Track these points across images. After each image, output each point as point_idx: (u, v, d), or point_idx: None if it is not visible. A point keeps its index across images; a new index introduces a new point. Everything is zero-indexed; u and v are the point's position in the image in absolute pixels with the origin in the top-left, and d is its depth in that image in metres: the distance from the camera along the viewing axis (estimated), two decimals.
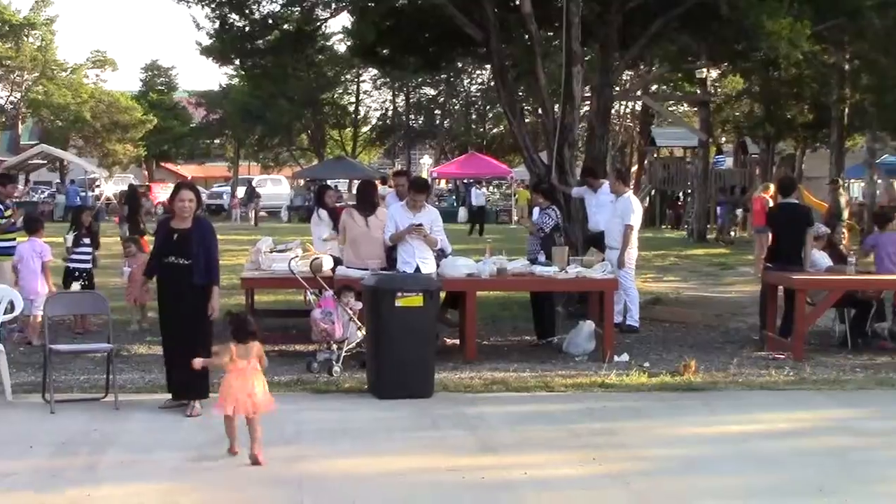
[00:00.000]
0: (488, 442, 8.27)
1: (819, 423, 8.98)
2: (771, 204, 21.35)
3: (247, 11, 15.79)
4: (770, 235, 13.38)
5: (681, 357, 11.75)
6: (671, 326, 14.54)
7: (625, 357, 11.71)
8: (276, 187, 57.39)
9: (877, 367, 11.45)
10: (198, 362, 8.09)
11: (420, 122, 71.54)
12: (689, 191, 38.55)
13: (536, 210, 14.24)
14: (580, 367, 11.34)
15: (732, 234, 34.93)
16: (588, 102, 17.14)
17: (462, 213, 45.25)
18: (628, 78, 38.39)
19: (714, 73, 36.17)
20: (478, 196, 40.41)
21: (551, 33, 18.88)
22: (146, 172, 71.35)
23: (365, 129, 72.10)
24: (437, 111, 71.06)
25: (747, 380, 10.61)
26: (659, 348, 12.62)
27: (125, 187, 32.26)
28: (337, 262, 12.23)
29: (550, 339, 12.79)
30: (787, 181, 13.49)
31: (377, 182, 17.74)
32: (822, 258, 13.12)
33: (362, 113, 70.95)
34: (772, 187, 23.78)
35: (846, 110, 30.26)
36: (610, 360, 11.48)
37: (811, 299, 12.51)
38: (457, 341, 12.68)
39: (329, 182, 50.46)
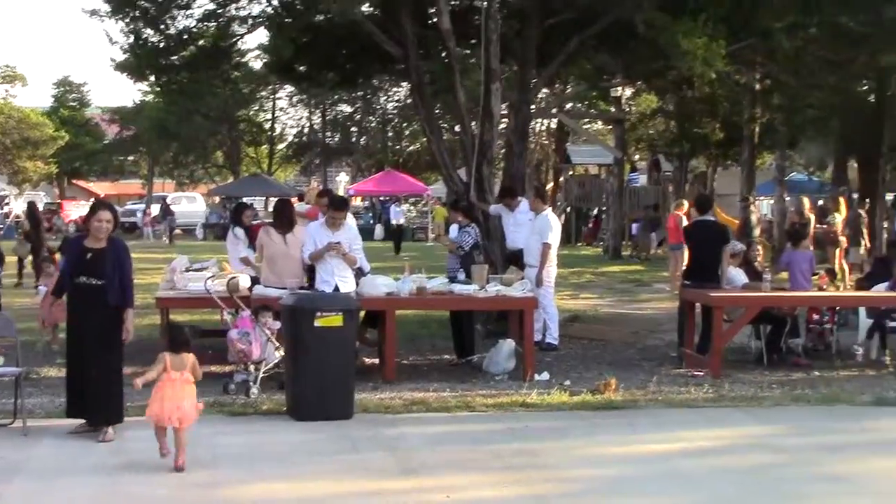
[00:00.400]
0: (409, 464, 8.15)
1: (739, 440, 9.00)
2: (685, 221, 21.67)
3: (161, 26, 15.50)
4: (686, 252, 13.48)
5: (600, 375, 11.75)
6: (590, 344, 14.56)
7: (545, 376, 11.68)
8: (191, 205, 56.73)
9: (792, 383, 11.55)
10: (138, 383, 8.03)
11: (336, 139, 71.21)
12: (605, 208, 38.83)
13: (454, 228, 14.19)
14: (501, 386, 11.27)
15: (649, 250, 35.27)
16: (506, 120, 17.14)
17: (378, 230, 45.10)
18: (544, 96, 38.55)
19: (628, 92, 36.50)
20: (397, 213, 40.25)
21: (469, 50, 18.88)
22: (57, 190, 70.06)
23: (281, 146, 71.56)
24: (353, 128, 70.75)
25: (667, 397, 10.63)
26: (579, 366, 12.61)
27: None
28: (254, 281, 12.04)
29: (470, 357, 12.72)
30: (704, 199, 13.61)
31: (294, 199, 17.52)
32: (738, 275, 13.24)
33: (278, 130, 70.48)
34: (685, 204, 24.08)
35: (756, 129, 30.67)
36: (530, 378, 11.44)
37: (728, 316, 12.60)
38: (376, 361, 12.55)
39: (245, 199, 50.30)
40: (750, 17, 16.04)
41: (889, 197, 38.37)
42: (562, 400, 10.40)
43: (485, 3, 15.28)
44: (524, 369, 11.64)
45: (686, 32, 14.16)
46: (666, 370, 12.36)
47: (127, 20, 15.34)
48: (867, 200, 26.97)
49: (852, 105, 27.82)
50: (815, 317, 13.71)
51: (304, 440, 8.86)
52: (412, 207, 58.08)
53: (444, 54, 16.53)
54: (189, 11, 15.72)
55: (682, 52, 14.25)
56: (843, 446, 8.79)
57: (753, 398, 10.57)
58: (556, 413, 9.93)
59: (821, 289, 13.25)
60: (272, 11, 16.05)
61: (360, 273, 12.05)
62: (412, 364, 12.82)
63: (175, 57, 16.19)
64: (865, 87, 26.38)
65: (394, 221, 39.71)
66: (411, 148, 67.73)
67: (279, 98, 67.51)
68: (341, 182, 63.90)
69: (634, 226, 37.33)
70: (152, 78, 16.73)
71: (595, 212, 44.62)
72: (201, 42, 16.32)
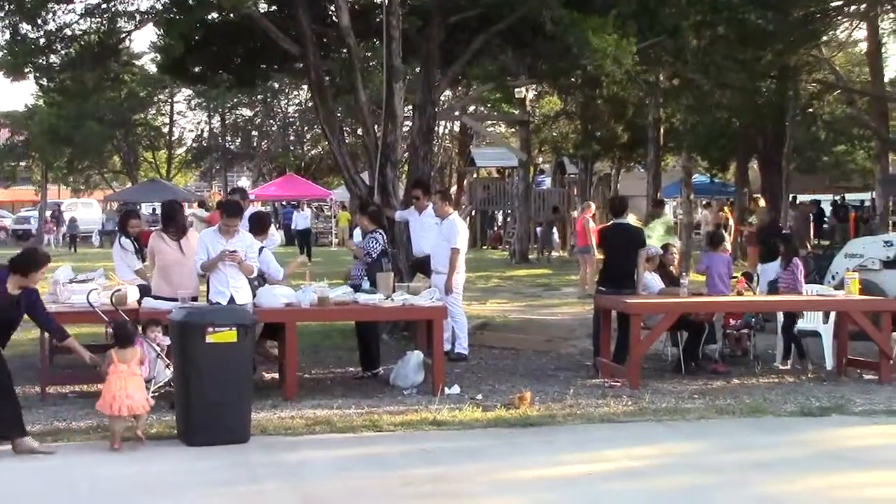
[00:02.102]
0: (313, 494, 7.45)
1: (665, 459, 8.43)
2: (592, 224, 21.29)
3: (40, 21, 14.50)
4: (594, 255, 12.93)
5: (514, 387, 11.18)
6: (501, 353, 13.99)
7: (456, 389, 11.06)
8: (88, 211, 55.16)
9: (713, 392, 11.06)
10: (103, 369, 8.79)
11: (237, 143, 69.95)
12: (510, 211, 38.47)
13: (357, 233, 13.51)
14: (409, 401, 10.61)
15: (554, 253, 35.03)
16: (410, 121, 16.53)
17: (279, 236, 44.00)
18: (447, 98, 38.05)
19: (532, 94, 36.16)
20: (303, 218, 39.09)
21: (371, 52, 18.26)
22: None
23: (180, 150, 70.03)
24: (254, 132, 69.59)
25: (585, 411, 10.03)
26: (490, 378, 11.99)
27: None
28: (144, 292, 11.23)
29: (376, 370, 12.05)
30: (619, 201, 13.06)
31: (194, 204, 16.67)
32: (653, 280, 12.76)
33: (177, 134, 68.99)
34: (592, 207, 23.76)
35: (662, 130, 30.51)
36: (440, 392, 10.79)
37: (644, 323, 12.08)
38: (276, 375, 11.80)
39: (144, 205, 49.02)
40: (658, 14, 15.73)
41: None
42: (474, 416, 9.76)
43: None
44: (433, 383, 10.99)
45: (595, 29, 13.71)
46: (582, 380, 11.83)
47: (1, 14, 14.32)
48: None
49: (756, 105, 27.84)
50: (733, 322, 13.30)
51: (195, 469, 8.10)
52: (317, 212, 57.16)
53: (344, 52, 15.85)
54: (70, 6, 14.75)
55: (591, 50, 13.80)
56: (774, 463, 8.27)
57: (676, 410, 10.02)
58: (470, 431, 9.27)
59: (739, 293, 12.82)
60: (161, 7, 15.17)
61: (263, 282, 11.34)
62: (315, 378, 12.10)
63: (56, 55, 15.20)
64: (770, 87, 26.29)
65: (299, 227, 38.39)
66: (313, 152, 66.79)
67: (177, 101, 66.16)
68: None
69: (539, 229, 37.05)
70: (32, 77, 15.66)
71: (500, 215, 44.34)
72: (85, 39, 15.35)
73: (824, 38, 26.56)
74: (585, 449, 8.62)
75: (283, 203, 51.82)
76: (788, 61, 21.32)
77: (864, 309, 12.29)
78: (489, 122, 47.81)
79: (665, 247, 13.73)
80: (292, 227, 40.25)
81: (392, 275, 12.15)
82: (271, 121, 68.32)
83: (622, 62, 14.15)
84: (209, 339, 8.81)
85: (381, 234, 12.66)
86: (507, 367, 12.92)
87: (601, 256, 14.83)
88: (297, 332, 11.00)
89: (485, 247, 43.02)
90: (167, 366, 9.78)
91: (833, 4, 24.96)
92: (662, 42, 16.50)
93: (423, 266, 13.45)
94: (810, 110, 33.46)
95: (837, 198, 42.93)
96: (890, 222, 31.23)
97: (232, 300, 10.43)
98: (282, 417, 9.70)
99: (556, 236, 37.54)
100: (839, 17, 27.89)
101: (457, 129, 52.82)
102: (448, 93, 34.18)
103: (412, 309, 11.43)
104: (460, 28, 15.74)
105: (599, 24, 13.73)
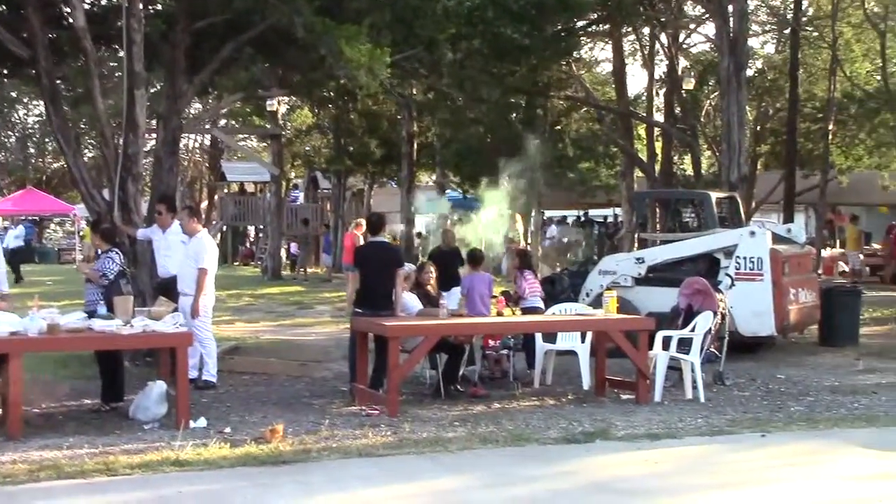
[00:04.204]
0: None
1: (428, 498, 7.81)
2: (362, 241, 20.68)
3: None
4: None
5: (266, 418, 10.45)
6: (252, 379, 13.22)
7: (202, 422, 10.20)
8: None
9: (475, 418, 10.60)
10: None
11: None
12: (263, 226, 37.55)
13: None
14: (150, 437, 9.68)
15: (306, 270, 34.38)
16: (154, 133, 15.55)
17: None
18: (197, 111, 36.79)
19: (283, 107, 35.44)
20: (15, 237, 35.76)
21: (110, 55, 17.15)
22: None
23: None
24: None
25: (342, 444, 9.34)
26: (241, 408, 11.17)
27: None
28: None
29: (116, 403, 11.05)
30: (376, 218, 12.43)
31: None
32: (412, 301, 12.26)
33: None
34: (364, 224, 23.26)
35: (416, 146, 30.32)
36: (185, 426, 9.90)
37: (403, 346, 11.53)
38: None
39: None
40: (414, 25, 15.42)
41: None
42: (221, 454, 8.92)
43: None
44: (177, 416, 10.10)
45: (349, 39, 13.20)
46: (338, 408, 11.17)
47: None
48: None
49: (509, 121, 28.10)
50: (492, 342, 12.97)
51: None
52: (58, 228, 54.55)
53: (80, 56, 14.69)
54: None
55: (345, 60, 13.28)
56: (543, 496, 7.82)
57: (437, 441, 9.43)
58: (216, 472, 8.40)
59: (500, 313, 12.49)
60: None
61: None
62: (46, 414, 10.96)
63: None
64: (521, 103, 26.56)
65: (11, 245, 34.83)
66: (56, 165, 63.63)
67: None
68: None
69: (293, 245, 36.33)
70: None
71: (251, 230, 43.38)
72: None
73: (575, 54, 27.06)
74: (343, 488, 7.92)
75: (24, 218, 49.01)
76: (542, 77, 21.43)
77: (623, 328, 12.16)
78: (240, 136, 46.78)
79: (421, 266, 13.28)
80: (2, 245, 37.64)
81: (131, 298, 11.15)
82: (9, 132, 64.68)
83: (377, 74, 13.67)
84: None
85: (117, 253, 11.65)
86: (259, 394, 12.15)
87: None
88: (33, 359, 9.86)
89: (236, 263, 41.97)
90: None
91: (580, 24, 25.41)
92: (418, 54, 16.23)
93: (168, 288, 12.54)
94: (558, 127, 34.20)
95: (581, 213, 43.92)
96: (635, 238, 32.06)
97: None
98: (2, 462, 8.61)
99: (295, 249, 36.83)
100: (584, 37, 28.53)
101: (207, 142, 51.40)
102: (198, 105, 33.11)
103: (153, 336, 10.48)
104: (208, 35, 14.93)
105: (353, 34, 13.22)
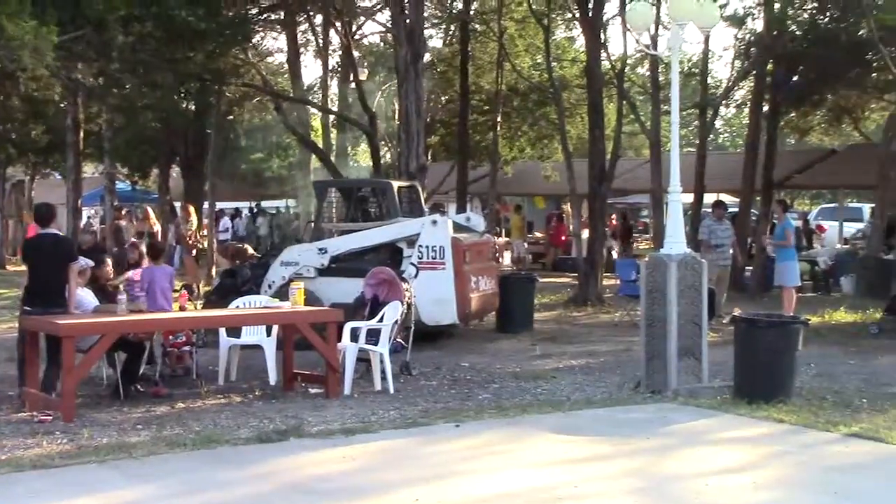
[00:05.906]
0: None
1: None
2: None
3: None
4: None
5: None
6: None
7: None
8: None
9: (159, 420, 9.98)
10: None
11: None
12: None
13: None
14: None
15: None
16: None
17: None
18: None
19: None
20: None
21: None
22: None
23: None
24: None
25: (13, 455, 8.49)
26: None
27: None
28: None
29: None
30: (45, 209, 11.47)
31: None
32: (87, 297, 11.45)
33: None
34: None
35: (82, 134, 28.61)
36: None
37: (79, 346, 10.71)
38: None
39: None
40: (82, 4, 14.52)
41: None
42: None
43: None
44: None
45: (11, 15, 12.22)
46: (6, 416, 10.25)
47: None
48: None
49: (183, 109, 27.24)
50: (172, 338, 12.34)
51: None
52: None
53: None
54: None
55: (7, 38, 12.29)
56: (239, 502, 7.39)
57: (120, 447, 8.72)
58: None
59: (182, 308, 11.89)
60: None
61: None
62: None
63: None
64: (195, 90, 25.70)
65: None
66: None
67: None
68: None
69: None
70: None
71: None
72: None
73: (253, 41, 26.60)
74: None
75: None
76: (217, 63, 20.76)
77: (311, 320, 11.83)
78: None
79: (99, 260, 12.46)
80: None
81: None
82: None
83: (43, 54, 12.75)
84: None
85: None
86: None
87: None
88: None
89: None
90: None
91: (252, 11, 24.95)
92: (87, 35, 15.30)
93: None
94: (230, 117, 33.54)
95: (254, 204, 43.37)
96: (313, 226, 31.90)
97: None
98: None
99: None
100: (261, 25, 28.09)
101: None
102: None
103: None
104: None
105: (15, 10, 12.26)
